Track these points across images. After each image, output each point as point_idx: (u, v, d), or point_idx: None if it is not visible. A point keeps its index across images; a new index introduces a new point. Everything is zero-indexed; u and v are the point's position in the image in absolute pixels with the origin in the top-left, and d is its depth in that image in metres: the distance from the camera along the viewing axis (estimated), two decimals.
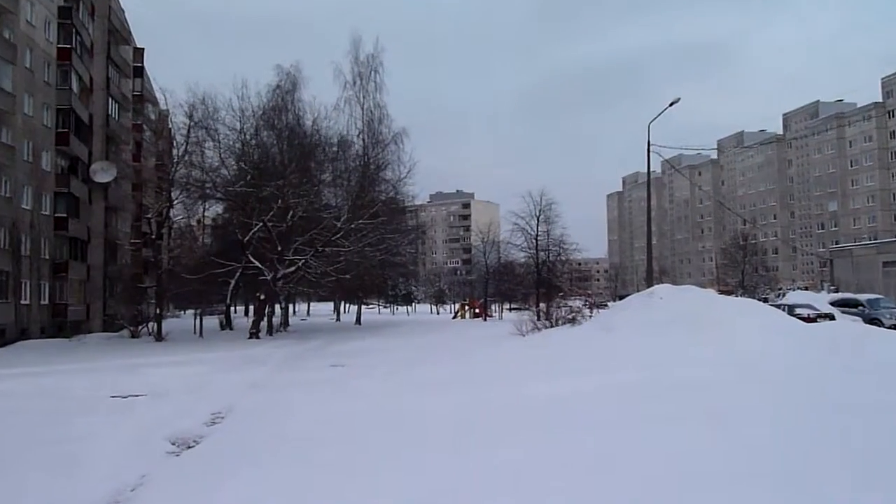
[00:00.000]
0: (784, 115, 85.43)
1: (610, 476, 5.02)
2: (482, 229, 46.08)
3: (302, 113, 27.13)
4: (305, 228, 26.18)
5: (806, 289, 42.52)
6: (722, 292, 30.72)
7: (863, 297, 22.89)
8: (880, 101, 63.35)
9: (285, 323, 30.78)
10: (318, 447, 6.13)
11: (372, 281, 36.00)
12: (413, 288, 71.50)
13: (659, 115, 21.96)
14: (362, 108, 31.14)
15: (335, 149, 27.50)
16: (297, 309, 68.05)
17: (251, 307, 36.86)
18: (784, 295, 33.74)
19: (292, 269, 25.25)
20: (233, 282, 27.46)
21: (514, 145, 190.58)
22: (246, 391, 9.94)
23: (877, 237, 56.23)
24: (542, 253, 38.96)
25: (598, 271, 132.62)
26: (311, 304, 67.22)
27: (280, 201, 23.83)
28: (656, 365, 9.83)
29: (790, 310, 19.81)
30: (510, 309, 64.22)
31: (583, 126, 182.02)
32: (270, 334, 24.78)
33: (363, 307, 44.71)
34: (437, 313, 71.96)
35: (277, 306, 31.06)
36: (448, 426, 6.75)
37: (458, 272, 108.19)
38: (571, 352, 12.12)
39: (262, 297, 24.44)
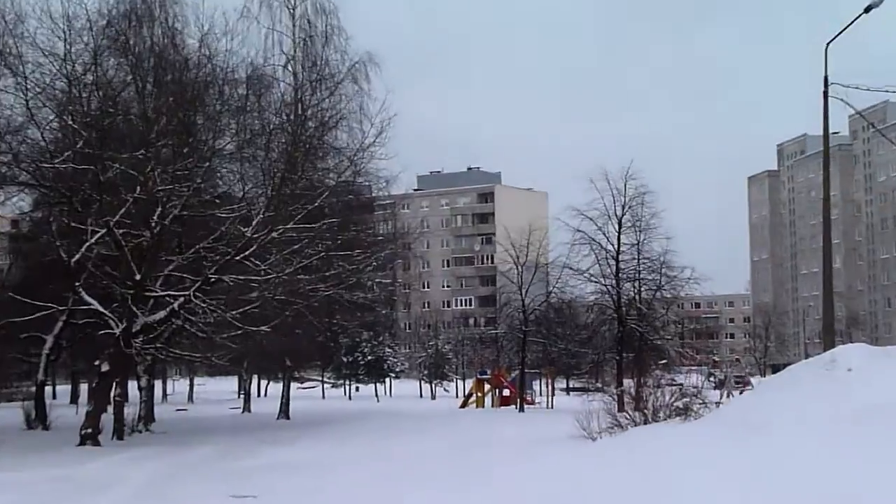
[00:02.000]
0: None
1: None
2: (516, 239, 45.62)
3: (181, 24, 27.53)
4: (187, 240, 26.49)
5: None
6: None
7: None
8: None
9: (148, 416, 31.06)
10: None
11: (311, 339, 36.46)
12: (388, 350, 72.15)
13: (845, 29, 21.69)
14: (293, 15, 31.19)
15: (242, 91, 27.76)
16: (171, 390, 69.15)
17: (85, 386, 36.84)
18: None
19: (161, 314, 25.82)
20: (50, 339, 27.95)
21: (572, 94, 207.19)
22: None
23: None
24: (628, 285, 39.57)
25: (731, 319, 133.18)
26: (198, 380, 69.62)
27: (140, 189, 23.98)
28: None
29: None
30: (569, 389, 64.82)
31: (702, 59, 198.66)
32: (121, 437, 25.44)
33: (295, 387, 46.32)
34: (434, 396, 72.40)
35: (135, 384, 31.40)
36: None
37: (473, 319, 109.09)
38: (688, 482, 11.57)
39: (106, 367, 24.72)
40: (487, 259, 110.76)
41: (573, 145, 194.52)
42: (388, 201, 39.85)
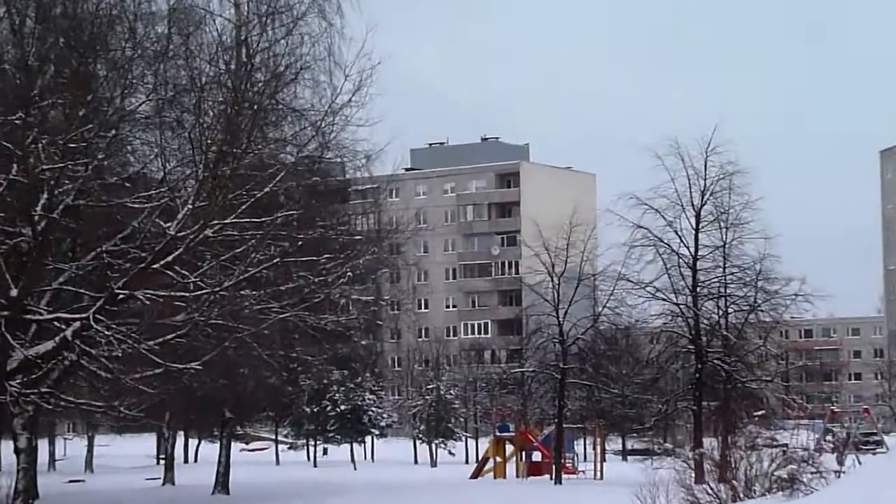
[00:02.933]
0: None
1: None
2: (550, 240, 45.43)
3: None
4: (85, 241, 26.57)
5: None
6: None
7: None
8: None
9: (29, 491, 30.62)
10: None
11: (261, 381, 37.17)
12: (370, 397, 71.74)
13: None
14: None
15: (163, 30, 27.78)
16: (61, 453, 67.50)
17: None
18: None
19: (48, 346, 25.68)
20: None
21: (633, 46, 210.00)
22: None
23: None
24: (709, 304, 39.71)
25: (857, 353, 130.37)
26: (100, 439, 68.34)
27: (17, 168, 24.18)
28: None
29: None
30: (626, 452, 63.92)
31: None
32: None
33: (238, 449, 48.79)
34: (434, 462, 70.07)
35: (9, 446, 31.58)
36: None
37: (490, 353, 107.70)
38: None
39: None
40: (510, 268, 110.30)
41: (632, 113, 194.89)
42: (369, 186, 39.88)
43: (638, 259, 40.36)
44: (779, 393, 45.10)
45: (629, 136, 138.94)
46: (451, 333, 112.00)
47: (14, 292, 24.56)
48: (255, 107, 27.32)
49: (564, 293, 44.12)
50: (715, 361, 39.12)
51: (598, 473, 47.50)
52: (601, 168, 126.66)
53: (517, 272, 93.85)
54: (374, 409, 72.83)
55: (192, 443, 66.03)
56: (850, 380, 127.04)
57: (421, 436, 75.92)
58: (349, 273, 32.43)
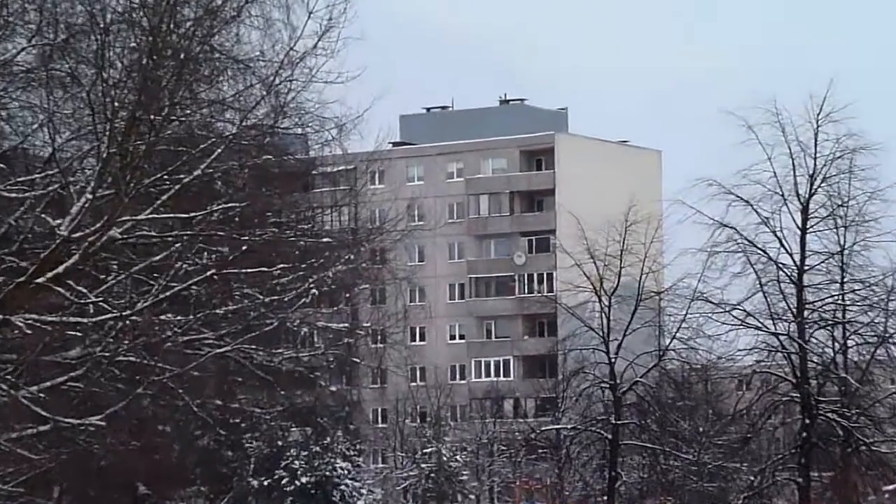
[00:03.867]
0: None
1: None
2: (597, 243, 45.81)
3: None
4: None
5: None
6: None
7: None
8: None
9: None
10: None
11: (189, 443, 38.03)
12: (342, 466, 72.19)
13: None
14: None
15: None
16: None
17: None
18: None
19: None
20: None
21: None
22: None
23: None
24: (821, 334, 39.77)
25: None
26: None
27: None
28: None
29: None
30: None
31: None
32: None
33: None
34: None
35: None
36: None
37: (512, 403, 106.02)
38: None
39: None
40: (540, 283, 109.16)
41: (712, 69, 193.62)
42: (342, 167, 39.97)
43: (721, 271, 40.94)
44: None
45: (707, 99, 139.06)
46: (458, 375, 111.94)
47: None
48: (182, 56, 26.85)
49: (617, 319, 44.38)
50: (829, 415, 38.95)
51: None
52: (668, 143, 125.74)
53: (550, 289, 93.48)
54: (348, 481, 72.75)
55: None
56: None
57: None
58: (314, 290, 31.87)
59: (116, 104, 25.54)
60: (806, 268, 39.63)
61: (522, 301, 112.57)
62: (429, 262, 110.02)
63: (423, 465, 76.18)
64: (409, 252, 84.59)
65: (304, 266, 31.28)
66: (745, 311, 40.85)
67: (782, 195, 39.77)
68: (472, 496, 79.32)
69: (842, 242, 39.78)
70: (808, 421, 39.11)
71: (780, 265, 39.62)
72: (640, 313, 44.40)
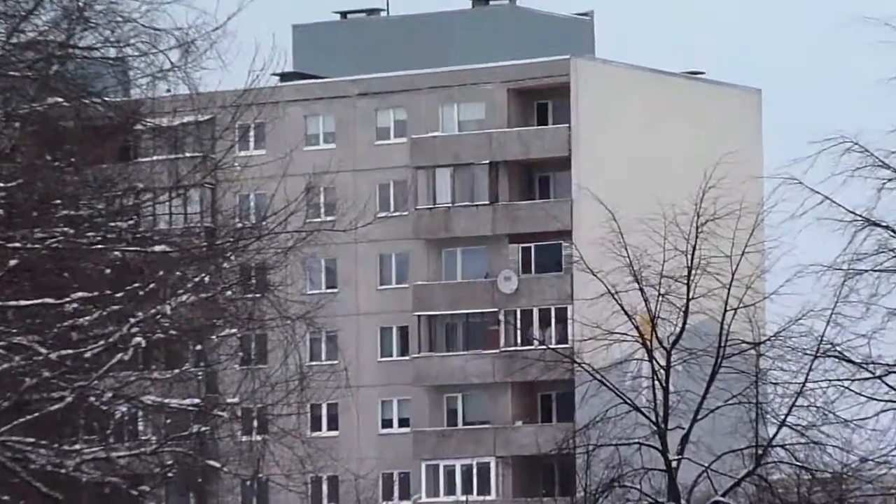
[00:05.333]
0: None
1: None
2: (640, 254, 39.64)
3: None
4: None
5: None
6: None
7: None
8: None
9: None
10: None
11: None
12: None
13: None
14: None
15: None
16: None
17: None
18: None
19: None
20: None
21: None
22: None
23: None
24: None
25: None
26: None
27: None
28: None
29: None
30: None
31: None
32: None
33: None
34: None
35: None
36: None
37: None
38: None
39: None
40: (541, 324, 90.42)
41: None
42: (191, 119, 32.29)
43: (867, 305, 31.98)
44: None
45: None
46: (398, 492, 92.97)
47: None
48: None
49: (682, 389, 36.21)
50: None
51: None
52: (768, 80, 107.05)
53: (562, 336, 74.23)
54: None
55: None
56: None
57: None
58: (138, 339, 27.48)
59: None
60: None
61: (511, 359, 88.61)
62: (345, 289, 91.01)
63: None
64: (311, 271, 67.47)
65: (120, 295, 27.14)
66: None
67: None
68: None
69: None
70: None
71: None
72: (724, 380, 35.43)
